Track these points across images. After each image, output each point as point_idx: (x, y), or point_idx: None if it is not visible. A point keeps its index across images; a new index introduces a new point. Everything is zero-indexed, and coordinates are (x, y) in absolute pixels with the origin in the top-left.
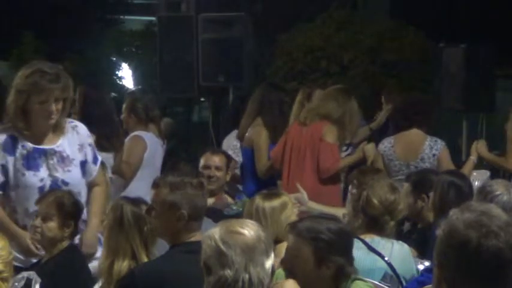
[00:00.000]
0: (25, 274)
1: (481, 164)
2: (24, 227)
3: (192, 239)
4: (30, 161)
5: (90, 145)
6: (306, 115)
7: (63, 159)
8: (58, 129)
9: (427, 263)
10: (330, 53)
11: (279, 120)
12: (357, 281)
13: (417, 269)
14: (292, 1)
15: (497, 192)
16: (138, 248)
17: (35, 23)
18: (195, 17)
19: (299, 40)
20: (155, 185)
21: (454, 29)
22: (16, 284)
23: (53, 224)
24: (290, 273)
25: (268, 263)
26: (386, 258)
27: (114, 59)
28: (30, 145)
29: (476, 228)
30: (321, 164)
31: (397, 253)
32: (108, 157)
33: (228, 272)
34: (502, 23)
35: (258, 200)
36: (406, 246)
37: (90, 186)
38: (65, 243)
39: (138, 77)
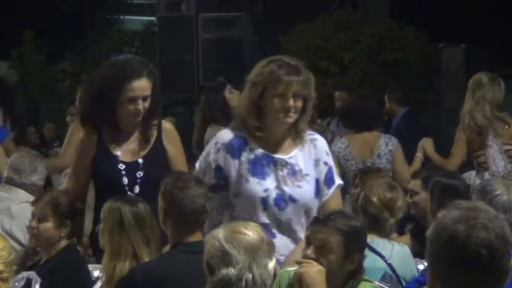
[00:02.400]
0: (25, 274)
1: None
2: None
3: (192, 240)
4: (257, 168)
5: (326, 163)
6: None
7: (295, 173)
8: (297, 138)
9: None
10: (330, 53)
11: (225, 120)
12: (364, 282)
13: (418, 269)
14: (292, 1)
15: (497, 192)
16: (139, 247)
17: (35, 23)
18: (195, 17)
19: (299, 40)
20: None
21: (454, 29)
22: (16, 284)
23: (48, 225)
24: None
25: (271, 265)
26: (386, 259)
27: None
28: (260, 150)
29: (463, 222)
30: None
31: (398, 254)
32: None
33: (232, 271)
34: (502, 23)
35: None
36: (406, 247)
37: (325, 209)
38: (63, 243)
39: None
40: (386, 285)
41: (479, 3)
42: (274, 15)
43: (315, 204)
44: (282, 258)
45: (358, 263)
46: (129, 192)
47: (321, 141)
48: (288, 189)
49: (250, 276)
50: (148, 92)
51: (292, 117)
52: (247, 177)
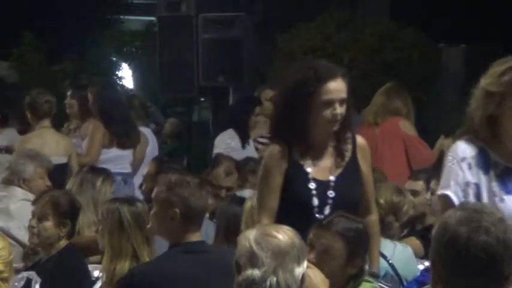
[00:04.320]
0: (25, 274)
1: None
2: None
3: (191, 240)
4: (508, 184)
5: None
6: (375, 115)
7: None
8: None
9: (427, 263)
10: (330, 53)
11: None
12: (364, 282)
13: (419, 270)
14: (292, 1)
15: None
16: (140, 246)
17: (35, 23)
18: (195, 17)
19: (299, 40)
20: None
21: (454, 29)
22: (16, 284)
23: (48, 224)
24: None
25: (299, 271)
26: (388, 259)
27: (114, 59)
28: (503, 163)
29: (466, 224)
30: (426, 155)
31: (400, 254)
32: (128, 154)
33: (256, 272)
34: (502, 22)
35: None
36: (409, 248)
37: None
38: (63, 243)
39: (138, 77)
40: (387, 285)
41: (479, 3)
42: (274, 15)
43: None
44: None
45: (360, 267)
46: (317, 215)
47: None
48: None
49: (275, 279)
50: (344, 95)
51: None
52: (502, 196)
